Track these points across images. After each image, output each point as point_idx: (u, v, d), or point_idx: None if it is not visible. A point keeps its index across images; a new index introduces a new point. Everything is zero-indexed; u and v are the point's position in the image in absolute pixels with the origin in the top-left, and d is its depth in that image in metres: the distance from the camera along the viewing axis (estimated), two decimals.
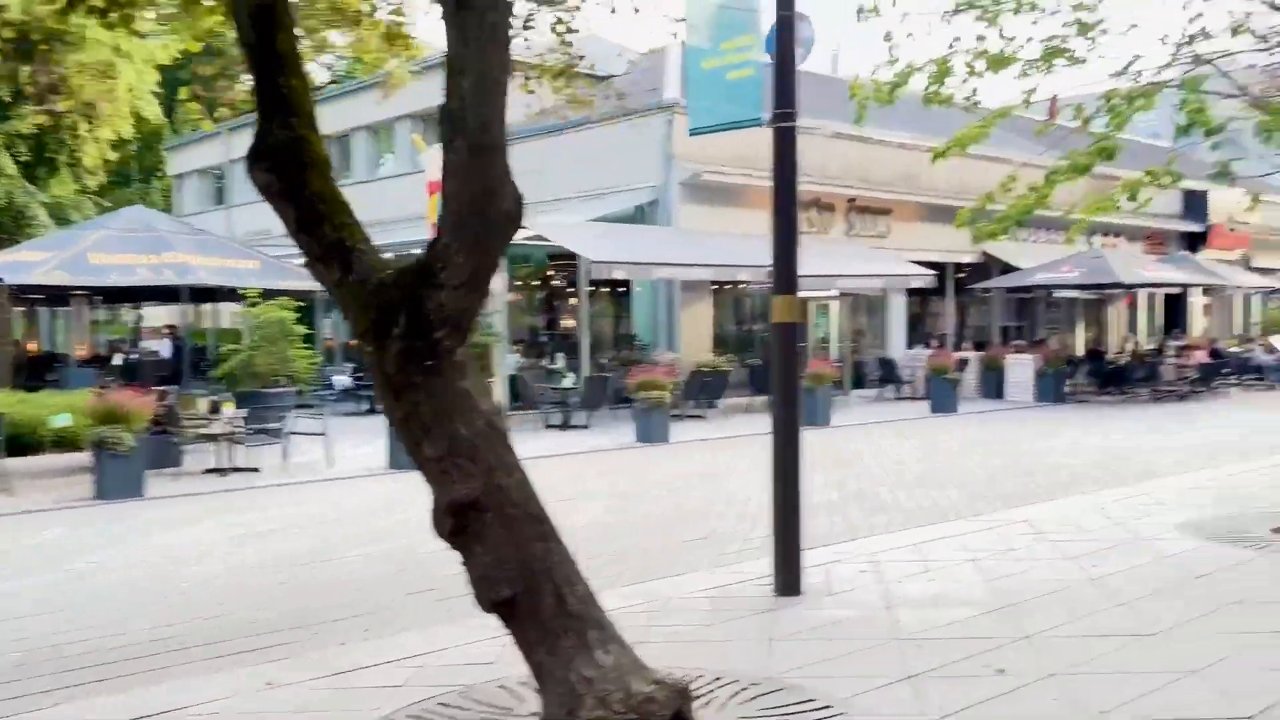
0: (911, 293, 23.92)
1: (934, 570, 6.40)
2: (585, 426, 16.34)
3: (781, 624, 5.31)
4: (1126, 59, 7.21)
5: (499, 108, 3.37)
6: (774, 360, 5.94)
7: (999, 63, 6.98)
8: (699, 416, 17.70)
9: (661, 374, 15.31)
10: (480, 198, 3.36)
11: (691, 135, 7.70)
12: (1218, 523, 7.59)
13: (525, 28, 6.94)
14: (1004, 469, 11.64)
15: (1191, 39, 6.63)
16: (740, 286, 21.80)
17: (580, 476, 11.71)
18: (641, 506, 9.81)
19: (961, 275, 25.93)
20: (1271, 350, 24.25)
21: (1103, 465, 11.77)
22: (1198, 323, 33.58)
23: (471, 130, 3.32)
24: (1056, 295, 28.41)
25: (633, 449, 14.22)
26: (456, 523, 3.45)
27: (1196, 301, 33.59)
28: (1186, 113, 6.22)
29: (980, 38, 6.88)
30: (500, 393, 18.01)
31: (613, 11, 8.54)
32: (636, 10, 7.62)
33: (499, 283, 17.96)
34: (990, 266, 25.85)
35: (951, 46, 6.85)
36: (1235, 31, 7.52)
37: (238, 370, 13.54)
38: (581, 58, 7.35)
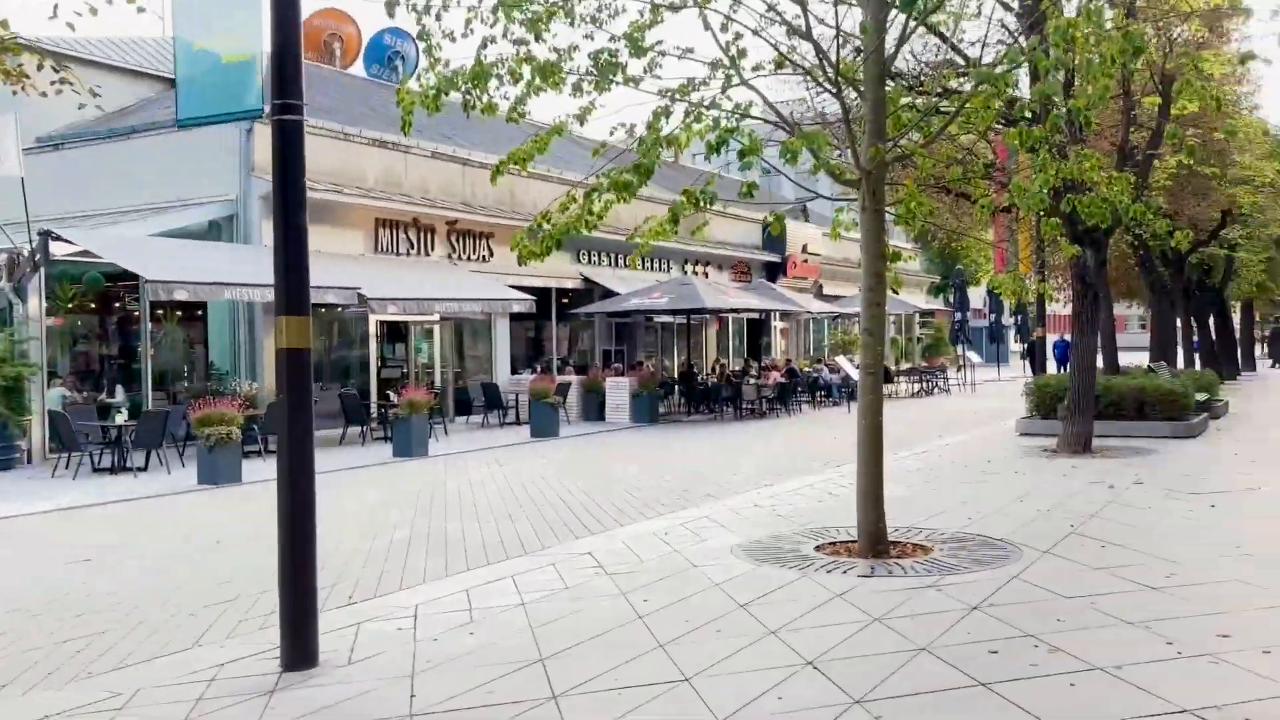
0: (519, 317, 23.78)
1: (480, 621, 5.81)
2: (142, 469, 14.34)
3: (276, 712, 4.44)
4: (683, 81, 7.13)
5: None
6: (281, 392, 5.07)
7: (547, 72, 6.60)
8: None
9: (232, 406, 13.77)
10: None
11: (180, 128, 6.64)
12: (770, 544, 7.69)
13: None
14: (587, 495, 11.47)
15: (733, 62, 6.63)
16: (332, 310, 20.47)
17: (123, 528, 10.06)
18: (181, 564, 8.46)
19: (565, 300, 26.23)
20: (835, 370, 26.71)
21: (678, 487, 11.95)
22: (778, 346, 36.63)
23: None
24: (656, 320, 29.73)
25: (194, 492, 12.58)
26: None
27: (777, 326, 36.63)
28: (719, 133, 6.16)
29: (520, 42, 6.47)
30: (37, 432, 15.46)
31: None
32: None
33: (34, 305, 15.43)
34: (593, 291, 26.43)
35: (485, 47, 6.38)
36: (779, 65, 7.73)
37: None
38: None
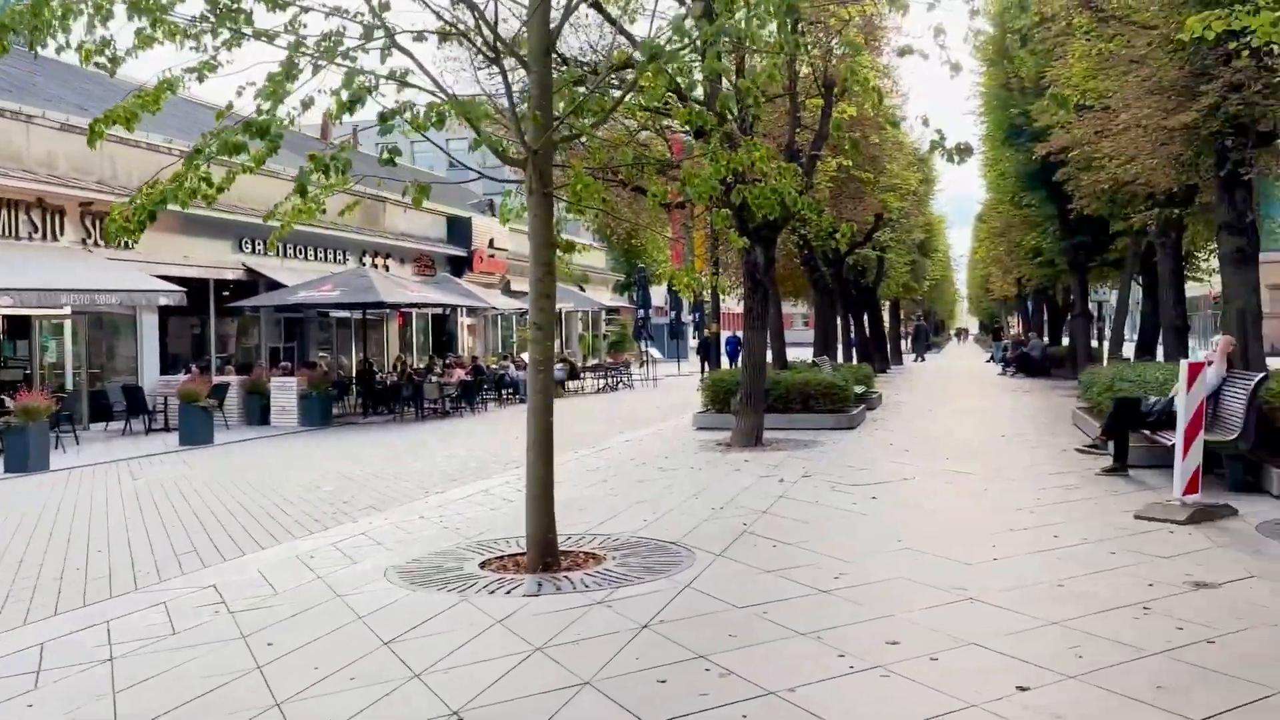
0: (173, 311, 21.35)
1: (43, 687, 4.61)
2: None
3: None
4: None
5: None
6: None
7: (144, 8, 5.44)
8: None
9: None
10: None
11: None
12: (431, 563, 6.90)
13: None
14: (230, 512, 10.13)
15: (376, 13, 5.76)
16: None
17: None
18: None
19: (227, 293, 23.96)
20: (521, 366, 26.23)
21: (338, 498, 10.87)
22: (465, 342, 35.74)
23: None
24: (334, 315, 27.92)
25: None
26: None
27: (464, 321, 35.73)
28: (355, 90, 5.29)
29: None
30: None
31: None
32: None
33: None
34: (258, 283, 24.33)
35: None
36: (442, 35, 6.93)
37: None
38: None
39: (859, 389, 17.91)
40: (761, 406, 13.57)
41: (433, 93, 6.23)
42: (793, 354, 20.49)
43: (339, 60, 5.65)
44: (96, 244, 20.00)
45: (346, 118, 5.90)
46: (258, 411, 20.84)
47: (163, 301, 18.75)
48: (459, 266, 34.52)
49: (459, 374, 22.58)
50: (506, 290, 37.57)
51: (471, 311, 35.23)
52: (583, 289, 45.26)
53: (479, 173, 7.42)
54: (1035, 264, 28.41)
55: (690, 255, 21.76)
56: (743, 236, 12.94)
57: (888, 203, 22.64)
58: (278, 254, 25.21)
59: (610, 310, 52.31)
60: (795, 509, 8.52)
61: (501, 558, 6.98)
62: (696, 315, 42.96)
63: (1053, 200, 23.30)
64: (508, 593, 6.07)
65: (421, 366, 25.24)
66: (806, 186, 13.42)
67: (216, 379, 20.83)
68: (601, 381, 31.81)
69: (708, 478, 10.53)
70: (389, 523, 8.54)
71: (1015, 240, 29.70)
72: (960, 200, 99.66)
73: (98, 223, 20.07)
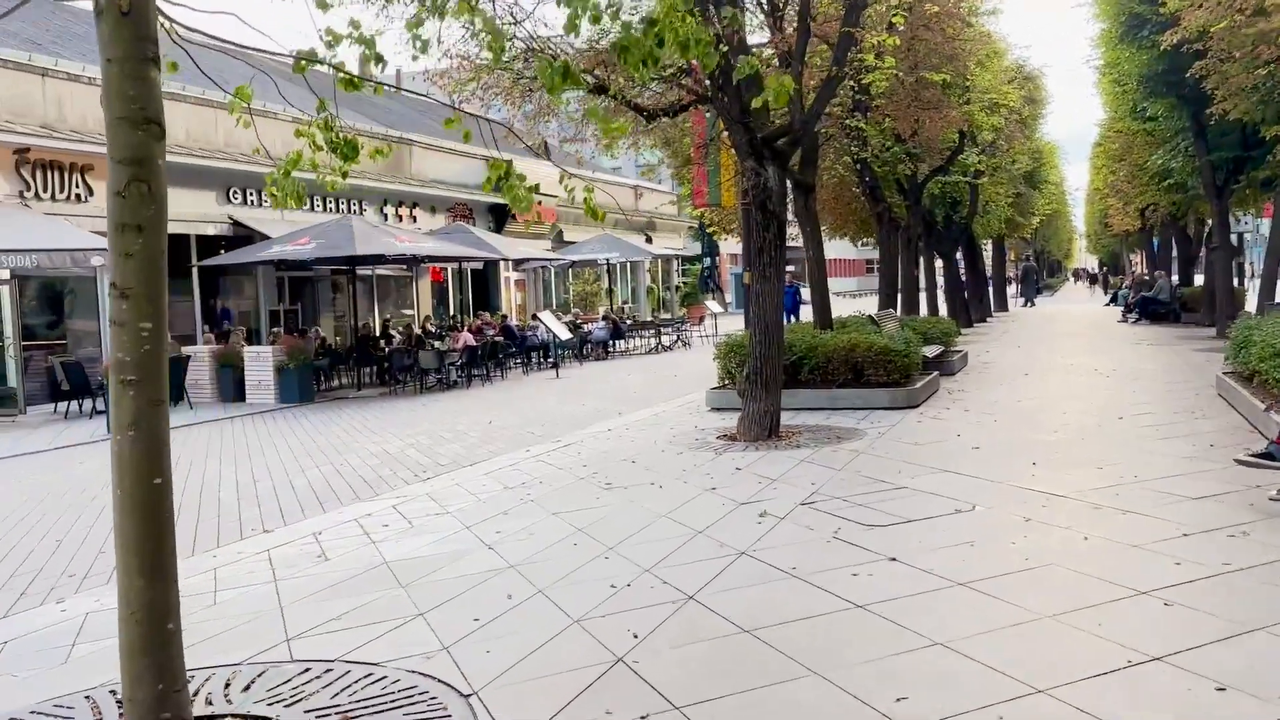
0: None
1: None
2: None
3: None
4: None
5: None
6: None
7: None
8: None
9: None
10: None
11: None
12: None
13: None
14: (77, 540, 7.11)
15: None
16: None
17: None
18: None
19: (221, 250, 21.17)
20: (534, 326, 22.92)
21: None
22: (512, 300, 32.64)
23: None
24: (362, 270, 24.98)
25: None
26: None
27: (510, 276, 32.59)
28: None
29: None
30: None
31: None
32: None
33: None
34: (252, 239, 21.48)
35: None
36: None
37: None
38: None
39: (931, 351, 14.07)
40: (778, 384, 9.95)
41: None
42: (856, 306, 16.67)
43: None
44: (40, 197, 17.36)
45: None
46: (232, 387, 18.09)
47: (95, 261, 15.96)
48: (501, 216, 31.30)
49: (464, 339, 19.35)
50: (559, 240, 34.28)
51: (518, 265, 32.12)
52: (649, 238, 41.66)
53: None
54: (1163, 189, 23.69)
55: (717, 187, 17.89)
56: (750, 158, 9.42)
57: (974, 117, 18.43)
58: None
59: (689, 260, 48.54)
60: (747, 600, 4.95)
61: None
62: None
63: (1185, 105, 18.75)
64: None
65: (419, 332, 21.93)
66: (836, 80, 9.69)
67: (187, 350, 18.15)
68: (655, 340, 28.27)
69: (663, 505, 7.04)
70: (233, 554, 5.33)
71: (1138, 162, 24.96)
72: (1078, 136, 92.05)
73: (42, 173, 17.42)
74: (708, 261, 34.33)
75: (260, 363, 17.99)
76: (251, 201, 21.48)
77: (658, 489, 7.62)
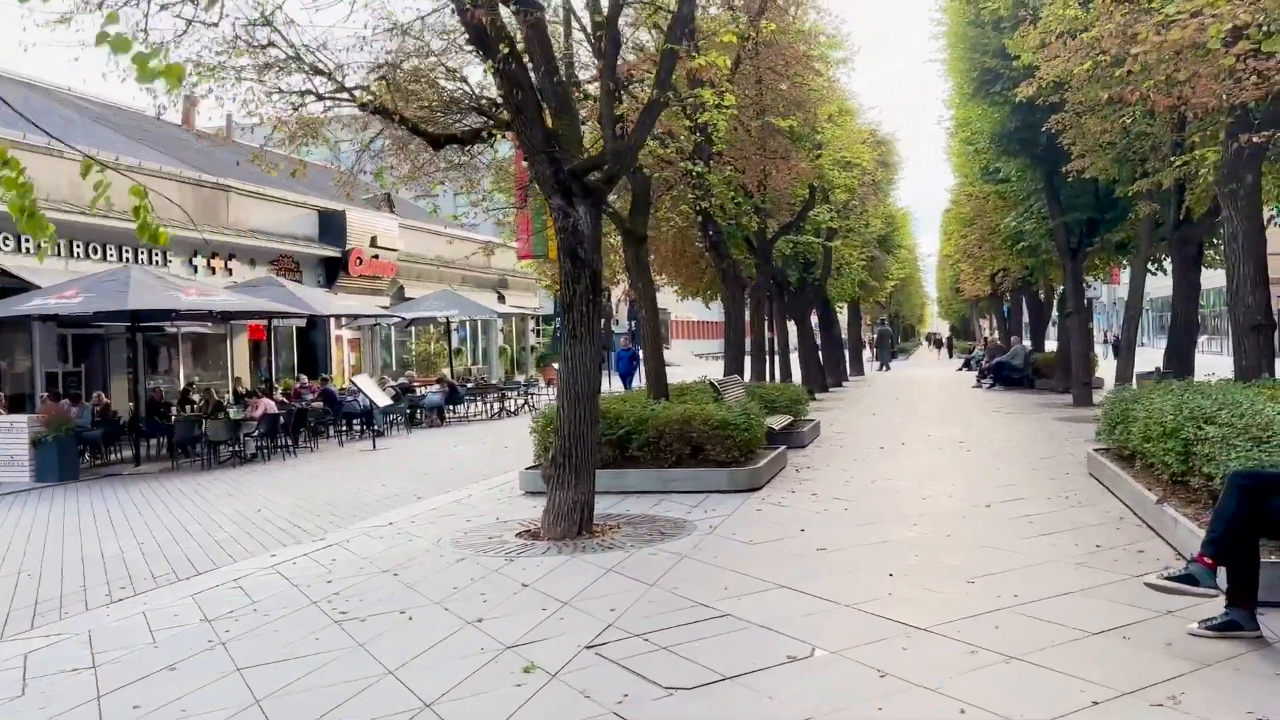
0: None
1: None
2: None
3: None
4: None
5: None
6: None
7: None
8: None
9: None
10: None
11: None
12: None
13: None
14: None
15: None
16: None
17: None
18: None
19: None
20: (354, 391, 20.67)
21: None
22: (345, 360, 30.18)
23: None
24: (172, 327, 22.23)
25: None
26: None
27: (341, 335, 30.15)
28: None
29: None
30: None
31: None
32: None
33: None
34: (27, 289, 18.66)
35: None
36: None
37: None
38: None
39: (778, 422, 12.60)
40: (591, 468, 8.17)
41: None
42: (716, 370, 15.14)
43: None
44: None
45: None
46: None
47: None
48: (334, 269, 28.96)
49: (264, 406, 16.99)
50: (400, 297, 32.06)
51: (352, 322, 29.78)
52: (502, 296, 39.78)
53: None
54: (1015, 252, 23.21)
55: (539, 229, 16.17)
56: (556, 194, 7.76)
57: (825, 173, 17.37)
58: (56, 253, 19.63)
59: (547, 318, 46.77)
60: None
61: None
62: (633, 321, 37.68)
63: (1038, 165, 18.12)
64: None
65: (218, 399, 19.36)
66: (657, 100, 8.17)
67: None
68: (500, 405, 26.28)
69: (398, 651, 5.12)
70: None
71: (989, 225, 24.53)
72: (931, 202, 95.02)
73: None
74: (559, 320, 32.52)
75: (13, 435, 15.27)
76: (13, 247, 18.70)
77: (406, 620, 5.70)
